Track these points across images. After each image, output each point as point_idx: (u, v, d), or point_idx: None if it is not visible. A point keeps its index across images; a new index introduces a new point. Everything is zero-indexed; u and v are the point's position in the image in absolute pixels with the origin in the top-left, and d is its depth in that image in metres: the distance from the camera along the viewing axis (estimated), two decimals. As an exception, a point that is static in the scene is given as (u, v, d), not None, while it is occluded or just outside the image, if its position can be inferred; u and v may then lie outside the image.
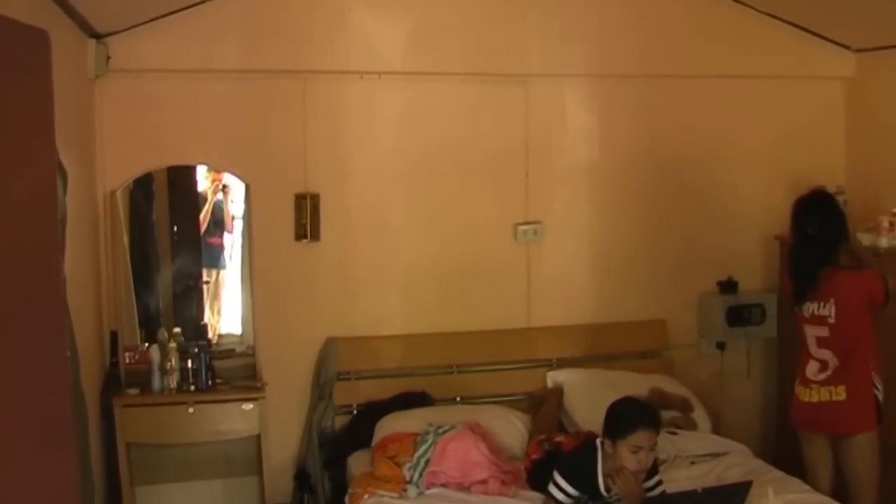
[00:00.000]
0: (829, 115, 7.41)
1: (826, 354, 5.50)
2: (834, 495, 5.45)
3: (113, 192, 6.17)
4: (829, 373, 5.49)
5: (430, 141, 6.69)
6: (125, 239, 6.37)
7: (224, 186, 6.82)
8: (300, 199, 6.45)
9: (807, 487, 5.48)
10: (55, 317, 3.47)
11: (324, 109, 6.49)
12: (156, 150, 6.28)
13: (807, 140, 7.32)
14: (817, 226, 5.50)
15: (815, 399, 5.55)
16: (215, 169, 6.72)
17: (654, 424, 4.85)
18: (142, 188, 6.51)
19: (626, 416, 4.83)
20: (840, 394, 5.46)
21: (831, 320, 5.46)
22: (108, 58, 6.01)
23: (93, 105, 6.10)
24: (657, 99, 7.09)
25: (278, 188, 6.45)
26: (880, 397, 5.49)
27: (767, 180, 7.26)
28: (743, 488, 4.72)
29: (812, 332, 5.56)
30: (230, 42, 6.30)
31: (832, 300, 5.44)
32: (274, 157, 6.46)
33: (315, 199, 6.46)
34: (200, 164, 6.66)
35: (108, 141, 6.17)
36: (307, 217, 6.44)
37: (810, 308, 5.54)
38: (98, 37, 5.93)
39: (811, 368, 5.56)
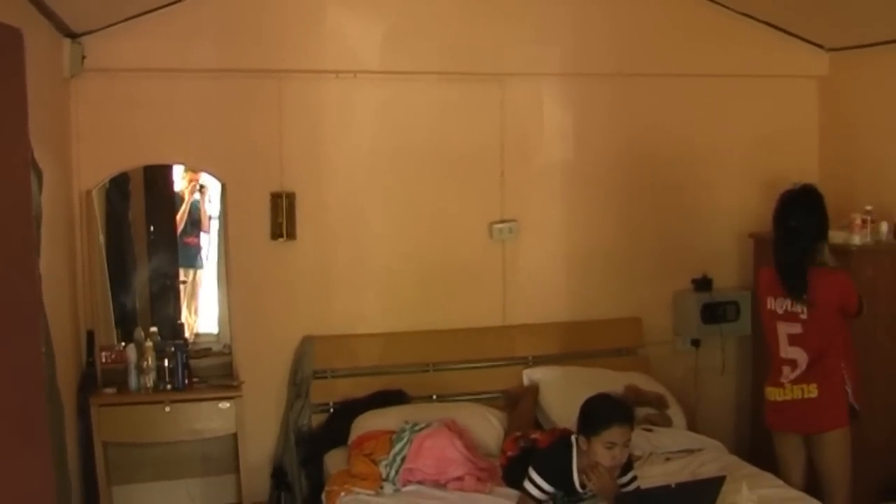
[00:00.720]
0: (803, 113, 7.46)
1: (796, 353, 5.52)
2: (807, 491, 5.47)
3: (89, 192, 6.16)
4: (799, 371, 5.50)
5: (406, 140, 6.70)
6: (101, 238, 6.36)
7: (201, 187, 6.81)
8: (276, 198, 6.46)
9: (780, 482, 5.51)
10: (30, 315, 3.48)
11: (300, 109, 6.50)
12: (132, 149, 6.28)
13: (781, 138, 7.37)
14: (801, 219, 5.50)
15: (787, 397, 5.56)
16: (191, 168, 6.71)
17: (628, 420, 4.87)
18: (118, 188, 6.51)
19: (600, 413, 4.85)
20: (812, 391, 5.47)
21: (804, 317, 5.47)
22: (84, 57, 6.00)
23: (68, 104, 6.10)
24: (633, 98, 7.12)
25: (254, 187, 6.46)
26: (851, 396, 5.52)
27: (742, 178, 7.31)
28: (716, 483, 4.75)
29: (784, 330, 5.57)
30: (206, 41, 6.29)
31: (805, 297, 5.45)
32: (250, 157, 6.46)
33: (291, 197, 6.47)
34: (176, 163, 6.65)
35: (83, 140, 6.16)
36: (283, 216, 6.45)
37: (784, 304, 5.56)
38: (73, 36, 5.92)
39: (783, 371, 5.58)
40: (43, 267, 4.36)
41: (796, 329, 5.51)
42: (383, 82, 6.66)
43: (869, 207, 6.42)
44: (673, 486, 4.76)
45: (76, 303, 6.12)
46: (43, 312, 4.43)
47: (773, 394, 5.66)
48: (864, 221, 6.38)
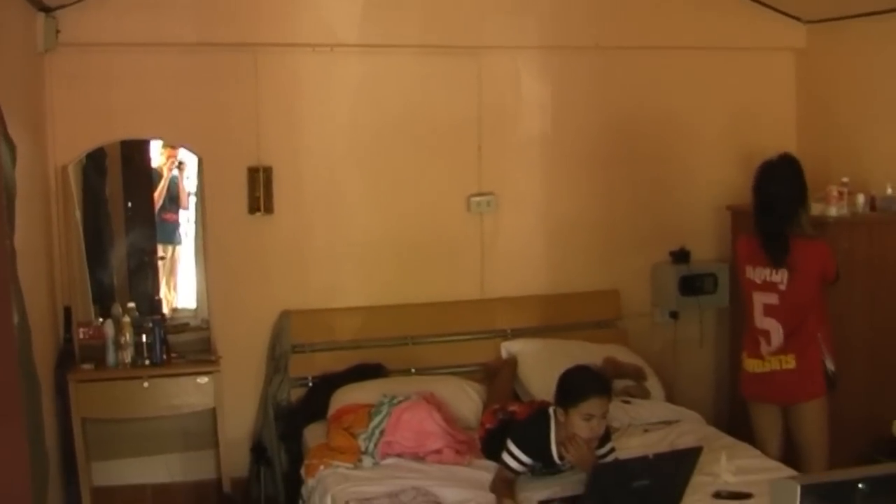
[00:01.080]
0: (781, 86, 7.47)
1: (770, 324, 5.53)
2: (784, 461, 5.51)
3: (64, 167, 6.13)
4: (776, 343, 5.52)
5: (383, 113, 6.69)
6: (78, 214, 6.33)
7: (180, 163, 6.78)
8: (253, 172, 6.44)
9: (758, 453, 5.55)
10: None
11: (276, 82, 6.49)
12: (107, 124, 6.25)
13: (758, 111, 7.38)
14: (782, 185, 5.51)
15: (766, 369, 5.58)
16: (168, 143, 6.68)
17: (606, 392, 4.89)
18: (94, 163, 6.48)
19: (578, 385, 4.87)
20: (789, 362, 5.49)
21: (782, 287, 5.48)
22: (58, 31, 5.95)
23: (42, 79, 6.06)
24: (610, 71, 7.12)
25: (231, 161, 6.44)
26: (829, 364, 5.54)
27: (719, 151, 7.32)
28: (693, 454, 4.76)
29: (760, 300, 5.58)
30: (181, 15, 6.25)
31: (786, 266, 5.46)
32: (226, 131, 6.44)
33: (268, 172, 6.45)
34: (152, 138, 6.60)
35: (58, 115, 6.13)
36: (260, 190, 6.43)
37: (763, 274, 5.57)
38: (47, 10, 5.87)
39: (758, 342, 5.60)
40: (18, 243, 4.34)
41: (772, 300, 5.52)
42: (360, 56, 6.64)
43: (845, 179, 6.43)
44: (650, 456, 4.77)
45: (53, 279, 6.09)
46: (18, 287, 4.42)
47: (751, 365, 5.68)
48: (840, 193, 6.38)
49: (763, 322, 5.57)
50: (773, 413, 5.71)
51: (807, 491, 1.74)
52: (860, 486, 1.74)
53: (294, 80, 6.55)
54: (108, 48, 6.17)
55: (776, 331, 5.51)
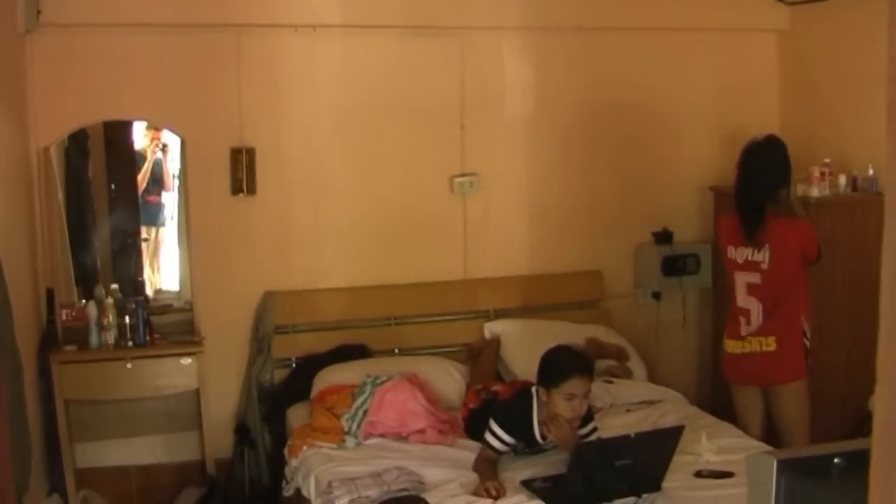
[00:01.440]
0: (763, 67, 7.48)
1: (752, 303, 5.55)
2: (765, 441, 5.54)
3: (46, 149, 6.11)
4: (755, 323, 5.54)
5: (366, 94, 6.67)
6: (60, 196, 6.32)
7: (164, 146, 6.77)
8: (236, 153, 6.42)
9: (740, 432, 5.59)
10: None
11: (258, 63, 6.47)
12: (89, 105, 6.22)
13: (741, 92, 7.38)
14: (763, 162, 5.53)
15: (746, 350, 5.60)
16: (151, 124, 6.67)
17: (588, 372, 4.91)
18: (77, 145, 6.46)
19: (560, 365, 4.89)
20: (770, 344, 5.51)
21: (764, 266, 5.49)
22: (39, 12, 5.92)
23: (23, 60, 6.02)
24: (593, 52, 7.11)
25: (214, 142, 6.42)
26: (809, 345, 5.56)
27: (702, 132, 7.32)
28: (675, 433, 4.80)
29: (743, 279, 5.59)
30: (163, -5, 6.25)
31: (767, 246, 5.48)
32: (209, 112, 6.42)
33: (251, 153, 6.43)
34: (135, 119, 6.58)
35: (40, 96, 6.09)
36: (243, 171, 6.41)
37: (744, 253, 5.58)
38: (28, -9, 5.87)
39: (739, 322, 5.61)
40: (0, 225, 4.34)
41: (755, 279, 5.54)
42: (343, 36, 6.63)
43: (827, 160, 6.46)
44: (632, 435, 4.79)
45: (35, 261, 6.07)
46: (-1, 270, 4.42)
47: (732, 346, 5.71)
48: (822, 174, 6.41)
49: (746, 301, 5.58)
50: (754, 394, 5.73)
51: (783, 466, 1.75)
52: (836, 460, 1.76)
53: (276, 60, 6.54)
54: (89, 28, 6.14)
55: (756, 310, 5.53)
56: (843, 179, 6.45)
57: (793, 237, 5.47)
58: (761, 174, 5.52)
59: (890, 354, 1.19)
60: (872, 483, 1.25)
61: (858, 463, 1.30)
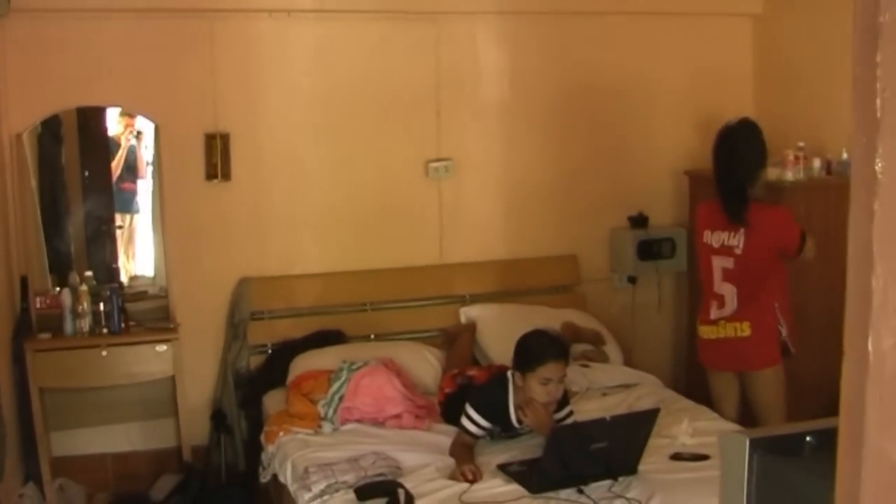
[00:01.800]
0: (738, 51, 7.49)
1: (727, 289, 5.54)
2: (741, 424, 5.54)
3: (19, 135, 6.08)
4: (729, 308, 5.54)
5: (341, 79, 6.66)
6: (33, 183, 6.29)
7: (138, 133, 6.75)
8: (210, 138, 6.40)
9: (715, 415, 5.60)
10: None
11: (232, 48, 6.44)
12: (62, 91, 6.18)
13: (716, 76, 7.39)
14: (742, 145, 5.53)
15: (721, 335, 5.60)
16: (125, 111, 6.64)
17: (563, 356, 4.91)
18: (50, 131, 6.43)
19: (535, 349, 4.90)
20: (745, 330, 5.51)
21: (738, 251, 5.48)
22: (10, -2, 5.91)
23: (-6, 46, 6.01)
24: (568, 36, 7.11)
25: (188, 128, 6.39)
26: (784, 331, 5.57)
27: (677, 116, 7.34)
28: (651, 416, 4.80)
29: (719, 264, 5.58)
30: (135, -20, 6.22)
31: (742, 231, 5.47)
32: (183, 98, 6.40)
33: (225, 138, 6.41)
34: (108, 105, 6.54)
35: (12, 83, 6.06)
36: (218, 157, 6.39)
37: (721, 238, 5.57)
38: (-2, -24, 5.83)
39: (712, 306, 5.62)
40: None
41: (728, 264, 5.53)
42: (317, 21, 6.61)
43: (802, 144, 6.47)
44: (608, 418, 4.82)
45: (8, 248, 6.04)
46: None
47: (705, 332, 5.71)
48: (796, 158, 6.42)
49: (720, 287, 5.58)
50: (729, 379, 5.75)
51: (755, 444, 1.75)
52: (808, 439, 1.77)
53: (250, 45, 6.51)
54: (61, 14, 6.11)
55: (731, 296, 5.53)
56: (817, 163, 6.46)
57: (768, 225, 5.46)
58: (741, 157, 5.51)
59: (856, 328, 1.20)
60: (840, 457, 1.26)
61: (830, 441, 1.31)
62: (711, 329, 5.65)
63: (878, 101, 1.16)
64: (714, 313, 5.60)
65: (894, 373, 1.18)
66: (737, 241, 5.49)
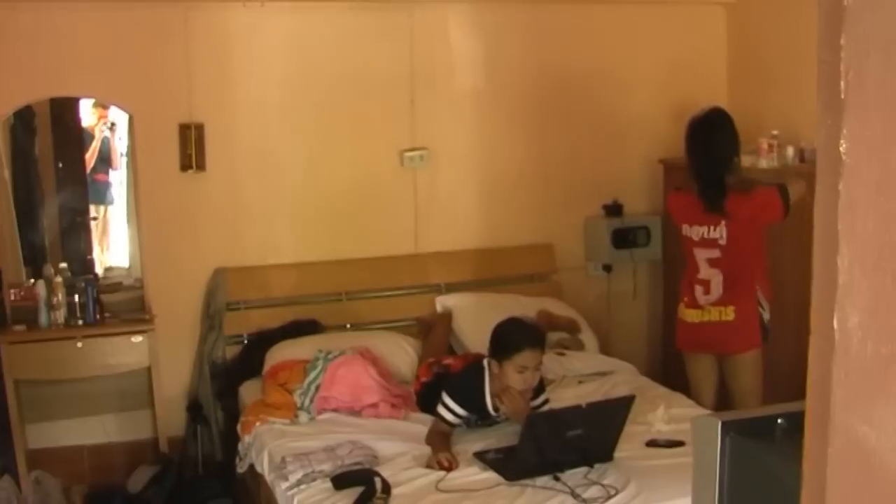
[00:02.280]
0: (712, 40, 7.51)
1: (714, 274, 5.54)
2: (718, 410, 5.57)
3: (-9, 126, 6.08)
4: (715, 293, 5.54)
5: (315, 69, 6.64)
6: (6, 174, 6.28)
7: (112, 124, 6.74)
8: (185, 129, 6.37)
9: (691, 402, 5.61)
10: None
11: (206, 38, 6.41)
12: (36, 82, 6.14)
13: (690, 65, 7.41)
14: (716, 133, 5.51)
15: (704, 319, 5.60)
16: (98, 101, 6.62)
17: (539, 344, 4.93)
18: (23, 122, 6.43)
19: (511, 337, 4.91)
20: (729, 314, 5.52)
21: (722, 242, 5.47)
22: (-18, -12, 5.88)
23: (-34, 36, 5.98)
24: (543, 25, 7.11)
25: (162, 119, 6.36)
26: (766, 316, 5.58)
27: (652, 105, 7.34)
28: (626, 403, 4.82)
29: (703, 255, 5.57)
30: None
31: (723, 222, 5.46)
32: (157, 88, 6.36)
33: (200, 129, 6.38)
34: (82, 95, 6.54)
35: (-16, 73, 6.05)
36: (192, 147, 6.37)
37: (700, 231, 5.55)
38: (-32, -34, 5.80)
39: (698, 291, 5.60)
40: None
41: (714, 254, 5.52)
42: (292, 10, 6.59)
43: (775, 132, 6.49)
44: (584, 405, 4.83)
45: (-18, 240, 6.03)
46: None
47: (690, 315, 5.68)
48: (770, 146, 6.45)
49: (707, 273, 5.57)
50: (709, 363, 5.75)
51: (727, 427, 1.77)
52: (780, 421, 1.78)
53: (225, 35, 6.48)
54: (34, 3, 6.06)
55: (717, 281, 5.53)
56: (790, 151, 6.46)
57: (748, 213, 5.45)
58: (716, 145, 5.50)
59: (822, 307, 1.22)
60: (807, 434, 1.28)
61: (802, 423, 1.33)
62: (696, 313, 5.64)
63: (842, 83, 1.18)
64: (701, 298, 5.59)
65: (859, 351, 1.20)
66: (719, 233, 5.47)
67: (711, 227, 5.51)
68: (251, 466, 5.40)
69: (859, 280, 1.20)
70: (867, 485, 1.23)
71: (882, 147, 1.18)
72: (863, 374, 1.22)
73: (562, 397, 5.54)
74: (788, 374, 6.06)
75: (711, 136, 5.53)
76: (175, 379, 6.47)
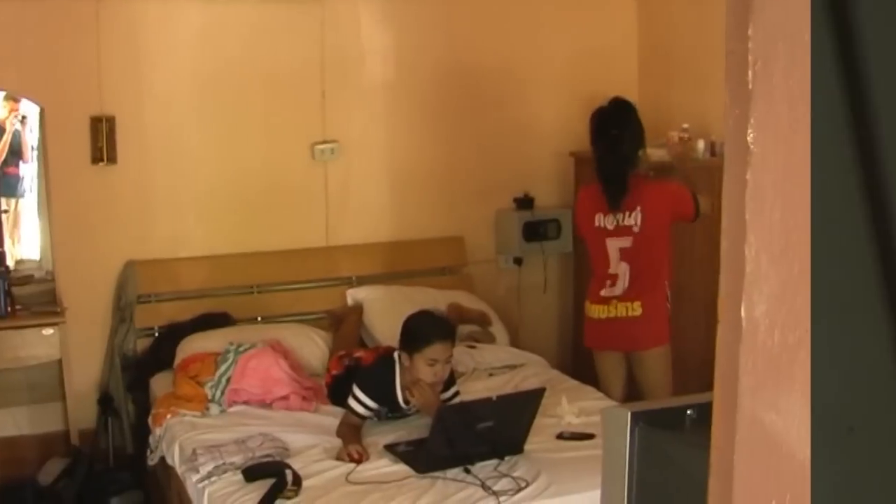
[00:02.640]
0: (622, 31, 7.60)
1: (622, 268, 5.55)
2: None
3: None
4: (621, 287, 5.56)
5: (226, 61, 6.63)
6: (-89, 168, 6.23)
7: (23, 117, 6.69)
8: (96, 122, 6.33)
9: (601, 395, 5.65)
10: None
11: (118, 31, 6.36)
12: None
13: (600, 56, 7.48)
14: (621, 127, 5.51)
15: (611, 315, 5.61)
16: (9, 94, 6.56)
17: (450, 337, 4.97)
18: (-72, 116, 6.37)
19: (421, 330, 4.95)
20: (636, 309, 5.53)
21: (636, 230, 5.48)
22: None
23: None
24: (453, 16, 7.15)
25: (73, 111, 6.31)
26: (670, 310, 5.66)
27: (562, 97, 7.40)
28: (536, 395, 4.84)
29: (615, 245, 5.56)
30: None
31: (638, 208, 5.47)
32: (68, 80, 6.31)
33: (111, 121, 6.35)
34: (-8, 87, 6.50)
35: None
36: (103, 140, 6.34)
37: (614, 219, 5.54)
38: None
39: (604, 287, 5.62)
40: None
41: (626, 243, 5.53)
42: (203, 3, 6.58)
43: (686, 125, 6.56)
44: (494, 398, 4.86)
45: None
46: None
47: (595, 311, 5.70)
48: (680, 139, 6.51)
49: (617, 267, 5.57)
50: (617, 359, 5.76)
51: (637, 418, 1.81)
52: (689, 412, 1.83)
53: (136, 28, 6.44)
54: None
55: (624, 274, 5.54)
56: (701, 144, 6.50)
57: (663, 200, 5.50)
58: (619, 141, 5.51)
59: (730, 296, 1.27)
60: (715, 423, 1.33)
61: (711, 414, 1.37)
62: (602, 308, 5.64)
63: (750, 72, 1.22)
64: (605, 291, 5.60)
65: (766, 339, 1.25)
66: (633, 220, 5.48)
67: (627, 213, 5.51)
68: (162, 459, 5.40)
69: (766, 268, 1.25)
70: (774, 471, 1.27)
71: (788, 136, 1.22)
72: (770, 361, 1.26)
73: (472, 390, 5.59)
74: (697, 370, 6.15)
75: (614, 133, 5.53)
76: (86, 371, 6.44)
